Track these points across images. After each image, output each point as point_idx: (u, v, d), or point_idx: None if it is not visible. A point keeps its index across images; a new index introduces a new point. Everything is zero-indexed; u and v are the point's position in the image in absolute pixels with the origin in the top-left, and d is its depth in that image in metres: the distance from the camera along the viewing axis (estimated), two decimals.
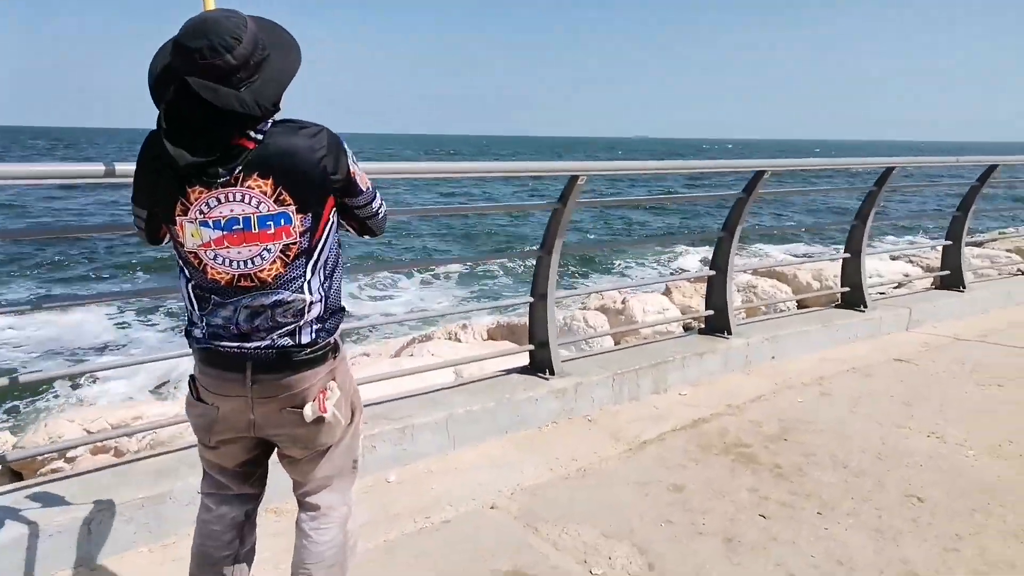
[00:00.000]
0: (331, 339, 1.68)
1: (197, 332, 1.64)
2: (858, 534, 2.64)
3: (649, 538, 2.61)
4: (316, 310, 1.63)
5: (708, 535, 2.63)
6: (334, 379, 1.70)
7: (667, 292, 6.25)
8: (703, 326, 4.85)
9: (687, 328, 5.88)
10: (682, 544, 2.57)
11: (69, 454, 3.59)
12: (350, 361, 1.89)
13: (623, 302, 5.72)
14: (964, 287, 6.21)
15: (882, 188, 5.22)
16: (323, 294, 1.64)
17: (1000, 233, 12.76)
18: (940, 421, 3.75)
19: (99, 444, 3.85)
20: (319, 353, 1.65)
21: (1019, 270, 7.59)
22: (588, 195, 3.82)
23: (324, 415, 1.66)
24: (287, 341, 1.60)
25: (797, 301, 6.18)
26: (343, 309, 1.74)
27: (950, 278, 6.31)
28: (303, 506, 1.84)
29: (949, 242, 6.28)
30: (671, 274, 16.56)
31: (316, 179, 1.53)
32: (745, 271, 6.48)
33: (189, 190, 1.48)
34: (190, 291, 1.62)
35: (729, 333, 4.63)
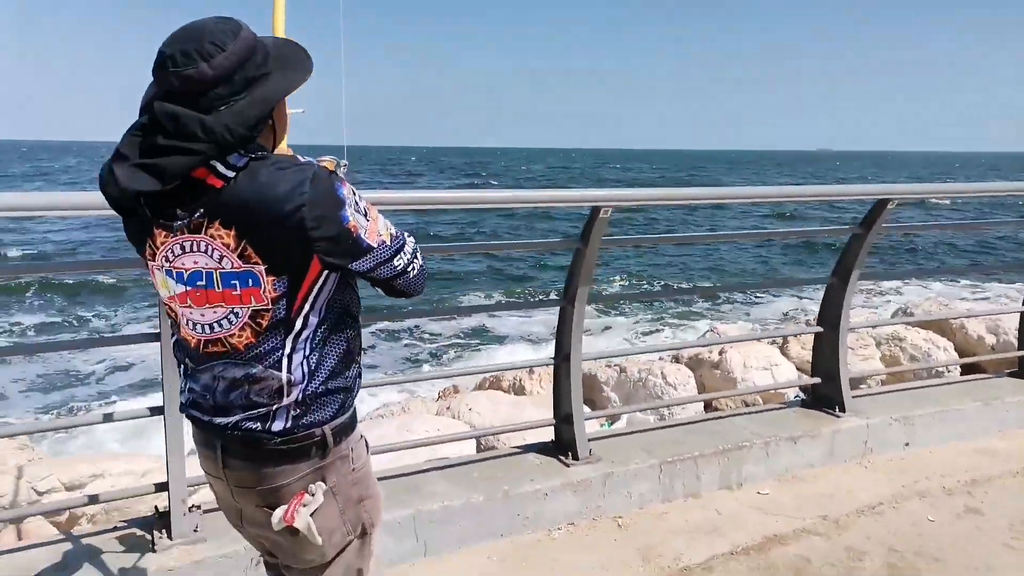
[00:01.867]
0: (318, 431, 1.36)
1: (183, 396, 1.44)
2: None
3: None
4: (296, 393, 1.32)
5: None
6: (323, 481, 1.39)
7: (784, 343, 5.10)
8: (805, 397, 3.76)
9: (805, 392, 4.72)
10: None
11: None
12: (365, 460, 1.52)
13: (720, 353, 4.68)
14: None
15: None
16: (308, 373, 1.33)
17: None
18: None
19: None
20: (295, 446, 1.35)
21: None
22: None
23: (293, 525, 1.33)
24: (256, 425, 1.33)
25: (962, 365, 4.79)
26: (347, 395, 1.41)
27: None
28: None
29: None
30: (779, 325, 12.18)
31: (289, 235, 1.22)
32: (871, 326, 5.10)
33: (156, 231, 1.28)
34: (174, 346, 1.45)
35: (842, 409, 3.52)
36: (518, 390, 4.90)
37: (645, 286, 18.62)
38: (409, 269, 1.40)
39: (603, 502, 2.90)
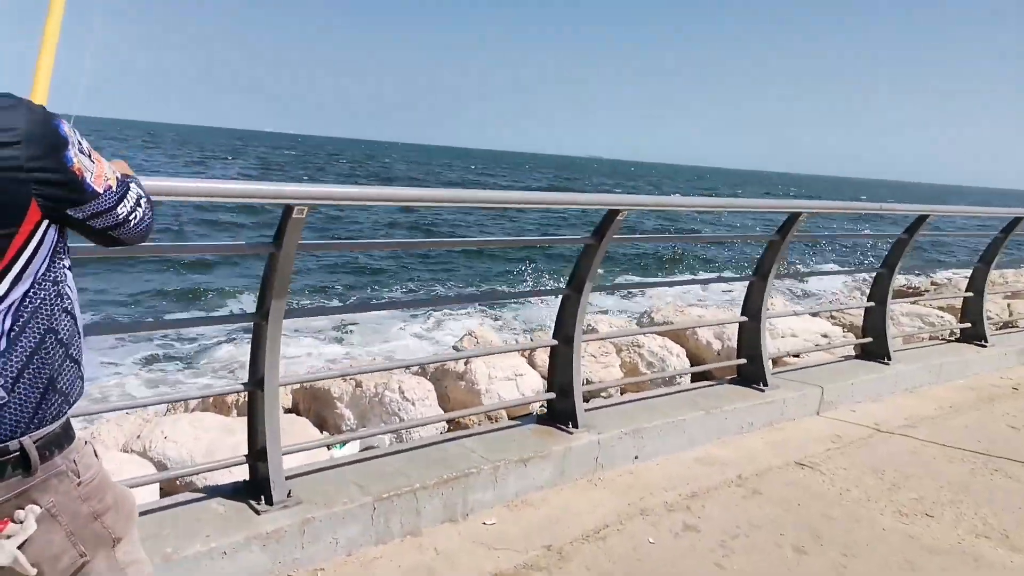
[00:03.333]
0: (13, 444, 1.07)
1: None
2: None
3: None
4: None
5: None
6: (34, 504, 1.11)
7: (531, 351, 5.03)
8: (545, 411, 3.62)
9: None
10: None
11: None
12: (96, 470, 1.23)
13: (466, 363, 4.47)
14: (889, 358, 5.16)
15: (786, 237, 4.11)
16: (8, 360, 1.06)
17: (932, 284, 12.01)
18: None
19: None
20: None
21: (951, 333, 6.63)
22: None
23: None
24: None
25: (693, 372, 5.02)
26: (59, 397, 1.14)
27: (873, 346, 5.26)
28: None
29: (871, 304, 5.23)
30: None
31: (1, 176, 1.03)
32: (603, 338, 5.17)
33: None
34: None
35: (575, 425, 3.40)
36: (241, 409, 4.29)
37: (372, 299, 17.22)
38: (131, 218, 1.25)
39: (301, 554, 2.45)
